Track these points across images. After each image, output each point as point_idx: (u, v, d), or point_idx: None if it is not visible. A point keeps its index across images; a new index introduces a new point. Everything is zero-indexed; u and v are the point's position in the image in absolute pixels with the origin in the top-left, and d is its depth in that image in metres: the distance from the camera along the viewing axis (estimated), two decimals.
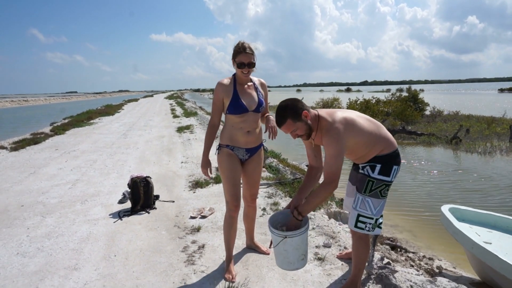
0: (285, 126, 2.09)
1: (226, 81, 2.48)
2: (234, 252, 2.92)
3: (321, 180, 2.17)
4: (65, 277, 2.66)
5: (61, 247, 3.17)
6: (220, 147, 2.57)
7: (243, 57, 2.35)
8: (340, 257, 2.79)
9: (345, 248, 3.01)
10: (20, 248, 3.17)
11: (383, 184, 2.13)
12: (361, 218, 2.15)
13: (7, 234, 3.48)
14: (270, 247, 2.27)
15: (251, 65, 2.38)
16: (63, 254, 3.04)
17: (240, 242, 3.18)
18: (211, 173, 2.56)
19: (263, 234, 3.29)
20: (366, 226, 2.15)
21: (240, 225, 2.98)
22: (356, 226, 2.18)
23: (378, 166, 2.12)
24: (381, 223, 2.18)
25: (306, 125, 2.08)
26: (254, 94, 2.51)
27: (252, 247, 2.95)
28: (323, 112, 2.15)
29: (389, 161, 2.12)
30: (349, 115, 2.13)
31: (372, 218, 2.14)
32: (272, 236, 2.13)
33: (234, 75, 2.49)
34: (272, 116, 2.42)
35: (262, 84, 2.61)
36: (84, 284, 2.57)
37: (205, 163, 2.53)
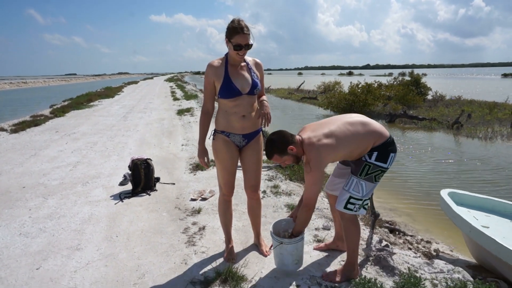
0: (273, 159, 2.26)
1: (217, 62, 2.32)
2: (234, 233, 2.95)
3: None
4: (68, 257, 2.70)
5: (63, 228, 3.21)
6: (215, 132, 2.45)
7: (240, 38, 2.17)
8: (318, 249, 2.73)
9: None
10: (22, 229, 3.21)
11: (379, 170, 2.17)
12: (351, 200, 2.21)
13: (10, 215, 3.52)
14: (270, 249, 2.58)
15: (249, 46, 2.22)
16: (65, 235, 3.08)
17: (240, 224, 3.21)
18: (208, 162, 2.47)
19: (263, 217, 3.31)
20: (354, 207, 2.22)
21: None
22: (345, 207, 2.22)
23: (375, 153, 2.16)
24: (367, 204, 2.25)
25: (293, 156, 2.23)
26: (248, 75, 2.34)
27: (256, 244, 2.81)
28: (306, 134, 2.22)
29: (385, 149, 2.17)
30: (330, 132, 2.15)
31: (361, 200, 2.21)
32: (272, 240, 2.40)
33: (226, 55, 2.34)
34: (266, 101, 2.35)
35: (256, 64, 2.43)
36: (86, 263, 2.61)
37: (202, 152, 2.42)
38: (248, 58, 2.40)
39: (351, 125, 2.18)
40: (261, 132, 2.52)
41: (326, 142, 2.11)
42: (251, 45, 2.23)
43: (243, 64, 2.36)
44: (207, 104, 2.41)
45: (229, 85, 2.27)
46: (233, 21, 2.21)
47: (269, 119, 2.29)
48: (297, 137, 2.24)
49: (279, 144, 2.19)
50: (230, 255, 2.61)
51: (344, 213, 2.24)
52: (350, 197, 2.20)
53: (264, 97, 2.43)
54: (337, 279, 2.27)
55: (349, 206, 2.21)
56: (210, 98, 2.39)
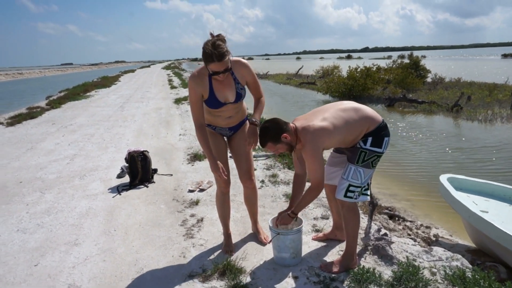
0: (268, 147, 2.23)
1: (199, 75, 2.18)
2: (233, 224, 2.94)
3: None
4: (66, 252, 2.69)
5: (61, 223, 3.20)
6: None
7: (216, 65, 2.01)
8: (317, 239, 2.73)
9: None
10: (20, 225, 3.20)
11: (375, 155, 2.17)
12: (351, 188, 2.20)
13: (7, 211, 3.50)
14: (269, 242, 2.55)
15: (227, 70, 2.08)
16: (63, 230, 3.07)
17: (238, 215, 3.20)
18: (224, 170, 2.29)
19: (261, 207, 3.30)
20: (354, 195, 2.21)
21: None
22: (345, 195, 2.22)
23: (370, 139, 2.16)
24: (367, 189, 2.26)
25: (287, 144, 2.21)
26: (232, 86, 2.23)
27: (254, 232, 2.83)
28: (299, 123, 2.22)
29: (379, 133, 2.17)
30: (323, 118, 2.14)
31: (360, 187, 2.21)
32: (270, 232, 2.42)
33: None
34: (254, 127, 2.28)
35: (242, 68, 2.24)
36: (84, 259, 2.60)
37: (215, 164, 2.26)
38: (233, 60, 2.20)
39: (343, 112, 2.18)
40: (247, 120, 2.49)
41: (322, 125, 2.11)
42: (229, 68, 2.10)
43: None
44: (199, 118, 2.26)
45: (213, 98, 2.22)
46: (206, 45, 2.00)
47: (253, 147, 2.33)
48: (291, 125, 2.23)
49: (273, 132, 2.17)
50: (228, 247, 2.60)
51: (344, 201, 2.24)
52: (350, 185, 2.20)
53: (261, 103, 2.37)
54: (336, 269, 2.27)
55: (349, 194, 2.20)
56: (200, 110, 2.25)
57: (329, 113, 2.18)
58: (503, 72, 24.40)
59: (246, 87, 2.33)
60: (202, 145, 2.29)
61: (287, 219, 2.33)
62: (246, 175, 2.53)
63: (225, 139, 2.56)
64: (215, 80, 2.18)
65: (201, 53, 2.05)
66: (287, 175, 4.26)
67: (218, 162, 2.27)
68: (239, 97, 2.29)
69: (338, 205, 2.43)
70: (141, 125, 7.76)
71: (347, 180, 2.20)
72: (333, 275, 2.24)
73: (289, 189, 3.77)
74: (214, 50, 1.98)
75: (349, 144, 2.22)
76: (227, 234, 2.67)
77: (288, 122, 2.24)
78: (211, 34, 2.07)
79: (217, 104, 2.25)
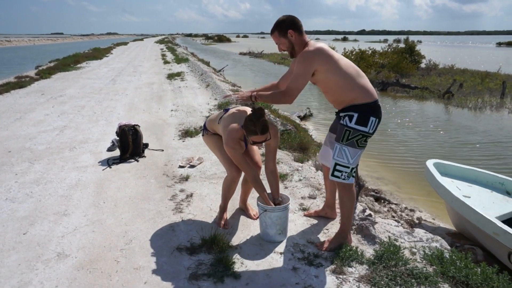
0: (273, 36, 2.29)
1: (238, 139, 2.36)
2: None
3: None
4: (55, 222, 2.72)
5: (50, 193, 3.21)
6: (207, 130, 2.66)
7: (258, 138, 2.24)
8: (308, 215, 2.82)
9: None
10: (8, 194, 3.20)
11: (360, 134, 2.17)
12: (337, 167, 2.23)
13: None
14: (257, 218, 2.60)
15: (266, 140, 2.28)
16: (52, 200, 3.08)
17: None
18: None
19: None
20: (342, 175, 2.23)
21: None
22: (333, 174, 2.25)
23: (355, 116, 2.16)
24: (355, 171, 2.29)
25: (289, 43, 2.24)
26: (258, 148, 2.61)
27: (242, 209, 2.90)
28: (312, 41, 2.26)
29: (366, 111, 2.16)
30: (334, 53, 2.20)
31: (348, 167, 2.22)
32: (257, 208, 2.48)
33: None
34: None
35: (274, 134, 2.40)
36: (73, 229, 2.63)
37: (267, 199, 2.43)
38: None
39: (351, 67, 2.21)
40: None
41: (328, 50, 2.15)
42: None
43: None
44: (252, 170, 2.45)
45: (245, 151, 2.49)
46: (253, 123, 2.19)
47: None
48: (306, 38, 2.26)
49: (284, 24, 2.22)
50: (223, 220, 2.67)
51: (339, 182, 2.27)
52: (336, 164, 2.22)
53: (277, 178, 2.56)
54: (331, 246, 2.32)
55: (335, 173, 2.23)
56: (248, 164, 2.46)
57: (342, 58, 2.22)
58: (496, 61, 24.50)
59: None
60: (260, 192, 2.43)
61: (246, 95, 2.33)
62: (257, 165, 2.65)
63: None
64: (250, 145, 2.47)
65: (246, 124, 2.23)
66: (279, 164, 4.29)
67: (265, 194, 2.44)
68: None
69: (333, 185, 2.51)
70: (133, 99, 7.68)
71: (333, 159, 2.24)
72: (318, 252, 2.31)
73: (278, 168, 3.80)
74: (262, 128, 2.20)
75: (333, 99, 2.27)
76: (224, 209, 2.72)
77: (304, 33, 2.26)
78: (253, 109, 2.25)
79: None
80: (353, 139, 2.17)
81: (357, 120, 2.15)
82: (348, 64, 2.20)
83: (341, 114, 2.26)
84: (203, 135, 2.74)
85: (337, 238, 2.37)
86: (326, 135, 2.61)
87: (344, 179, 2.23)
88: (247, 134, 2.26)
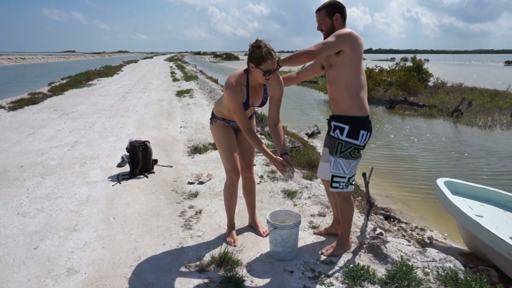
0: (318, 13, 2.33)
1: (237, 85, 2.29)
2: None
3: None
4: (65, 238, 2.73)
5: (61, 209, 3.23)
6: (215, 117, 2.59)
7: (270, 64, 2.16)
8: (318, 233, 2.81)
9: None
10: (20, 208, 3.23)
11: (351, 146, 2.27)
12: (335, 179, 2.33)
13: (7, 194, 3.53)
14: (267, 235, 2.63)
15: (278, 68, 2.24)
16: (62, 215, 3.10)
17: (236, 209, 3.23)
18: (287, 167, 2.24)
19: (259, 202, 3.34)
20: (340, 185, 2.34)
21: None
22: (331, 186, 2.36)
23: (346, 128, 2.25)
24: (353, 180, 2.38)
25: (332, 25, 2.28)
26: (261, 94, 2.42)
27: (252, 226, 2.88)
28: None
29: (357, 125, 2.26)
30: (362, 55, 2.25)
31: (345, 177, 2.32)
32: (267, 225, 2.48)
33: (247, 72, 2.32)
34: (287, 156, 2.27)
35: (276, 80, 2.36)
36: (83, 244, 2.63)
37: (278, 162, 2.25)
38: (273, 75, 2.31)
39: (365, 79, 2.30)
40: (255, 114, 2.65)
41: (362, 45, 2.19)
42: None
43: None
44: (248, 122, 2.33)
45: (247, 103, 2.37)
46: (259, 48, 2.15)
47: (291, 177, 2.29)
48: (346, 27, 2.30)
49: (335, 5, 2.27)
50: (232, 238, 2.66)
51: (337, 192, 2.39)
52: (333, 176, 2.34)
53: (281, 131, 2.39)
54: (333, 251, 2.47)
55: (334, 184, 2.35)
56: (246, 116, 2.35)
57: (364, 66, 2.29)
58: (506, 79, 24.41)
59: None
60: (259, 146, 2.27)
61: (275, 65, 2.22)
62: (248, 165, 2.70)
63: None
64: (252, 89, 2.37)
65: (251, 54, 2.19)
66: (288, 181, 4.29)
67: (278, 157, 2.27)
68: (263, 104, 2.48)
69: (335, 200, 2.58)
70: (143, 116, 7.78)
71: (330, 172, 2.35)
72: (329, 272, 2.28)
73: (287, 186, 3.80)
74: (268, 51, 2.15)
75: (334, 96, 2.32)
76: (231, 225, 2.72)
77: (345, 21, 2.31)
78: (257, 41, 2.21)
79: (246, 107, 2.37)
80: (346, 151, 2.28)
81: (348, 133, 2.26)
82: (363, 72, 2.30)
83: (332, 124, 2.35)
84: (211, 124, 2.62)
85: (339, 242, 2.50)
86: (321, 151, 2.68)
87: (342, 188, 2.35)
88: (256, 65, 2.18)
